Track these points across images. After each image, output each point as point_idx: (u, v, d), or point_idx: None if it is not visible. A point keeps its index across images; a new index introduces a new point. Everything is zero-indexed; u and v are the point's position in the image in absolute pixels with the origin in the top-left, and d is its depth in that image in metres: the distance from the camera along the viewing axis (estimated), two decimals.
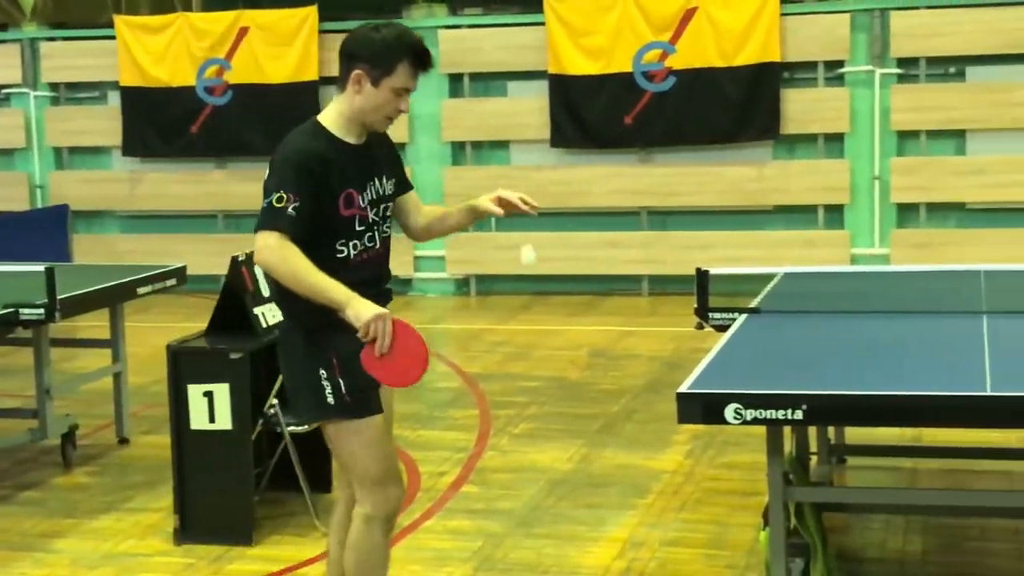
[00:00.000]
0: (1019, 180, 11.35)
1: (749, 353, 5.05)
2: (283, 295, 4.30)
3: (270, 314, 6.18)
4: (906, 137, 11.81)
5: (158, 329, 9.65)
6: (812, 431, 5.98)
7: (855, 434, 6.53)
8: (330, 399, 4.26)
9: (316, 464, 6.37)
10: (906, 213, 11.85)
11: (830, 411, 4.38)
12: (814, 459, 6.09)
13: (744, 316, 5.61)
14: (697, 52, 11.86)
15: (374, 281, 4.34)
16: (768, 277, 6.52)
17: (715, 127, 11.97)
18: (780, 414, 4.20)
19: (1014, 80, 11.47)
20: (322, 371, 4.25)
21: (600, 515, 6.13)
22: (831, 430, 6.27)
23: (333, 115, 4.29)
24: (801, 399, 4.20)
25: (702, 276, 5.95)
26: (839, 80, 11.93)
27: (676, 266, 11.62)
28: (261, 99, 12.98)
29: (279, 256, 4.10)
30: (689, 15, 11.90)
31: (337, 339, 4.20)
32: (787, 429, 4.85)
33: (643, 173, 12.29)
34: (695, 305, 5.97)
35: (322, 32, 12.82)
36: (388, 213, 4.41)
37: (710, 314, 5.97)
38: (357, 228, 4.27)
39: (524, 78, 12.54)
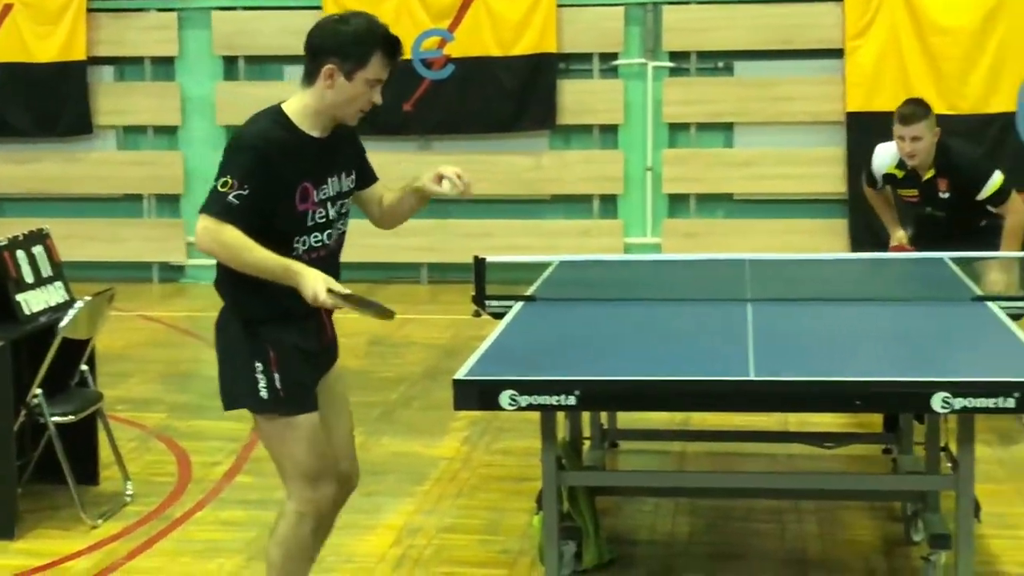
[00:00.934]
0: (783, 172, 11.75)
1: (525, 340, 5.11)
2: (225, 284, 4.19)
3: (34, 301, 6.00)
4: (677, 129, 12.10)
5: None
6: (585, 416, 6.10)
7: (627, 419, 6.67)
8: (263, 393, 4.13)
9: (82, 456, 6.22)
10: (677, 203, 12.13)
11: (602, 397, 4.47)
12: (587, 444, 6.21)
13: (520, 304, 5.67)
14: (475, 41, 11.93)
15: None
16: (544, 265, 6.61)
17: (493, 116, 12.07)
18: (554, 400, 4.26)
19: (779, 75, 11.85)
20: (258, 364, 4.13)
21: (377, 503, 6.12)
22: (604, 415, 6.39)
23: (298, 106, 4.13)
24: (574, 385, 4.26)
25: (479, 264, 5.99)
26: (613, 72, 12.14)
27: (455, 254, 11.64)
28: (26, 78, 12.54)
29: (216, 240, 3.95)
30: (467, 3, 11.95)
31: (276, 333, 4.12)
32: (561, 415, 4.94)
33: (422, 161, 12.26)
34: (472, 293, 6.02)
35: (90, 11, 12.46)
36: (344, 210, 4.28)
37: (487, 302, 6.03)
38: (308, 224, 4.12)
39: (301, 62, 12.35)
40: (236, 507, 6.19)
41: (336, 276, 4.17)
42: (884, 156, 7.12)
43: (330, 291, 3.94)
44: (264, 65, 12.66)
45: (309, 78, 4.14)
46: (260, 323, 4.14)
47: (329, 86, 4.10)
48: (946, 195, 6.96)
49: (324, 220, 4.18)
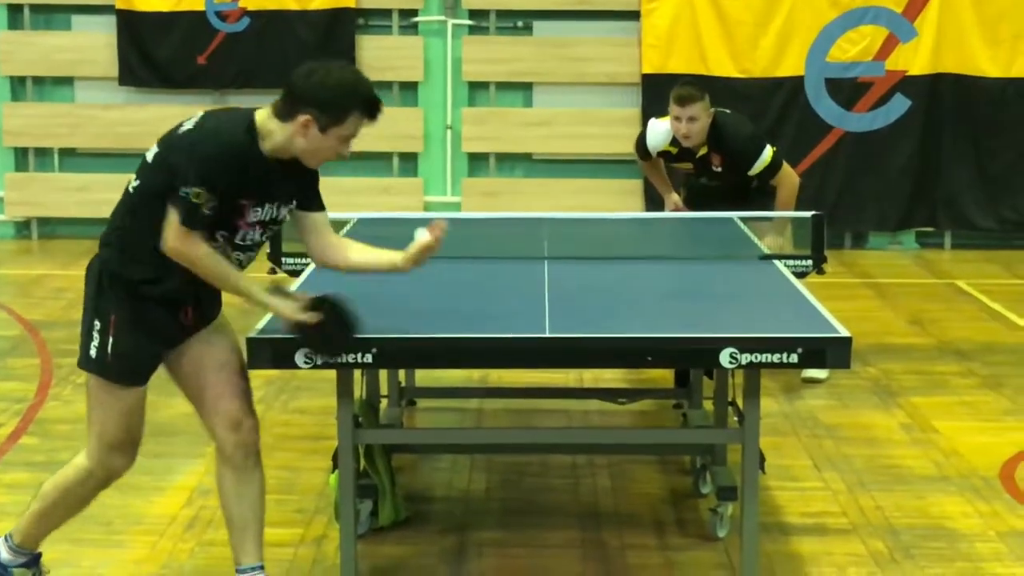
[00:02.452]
0: (581, 132, 11.86)
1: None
2: (120, 240, 4.15)
3: None
4: (477, 88, 12.12)
5: None
6: (383, 374, 6.11)
7: (425, 376, 6.71)
8: (92, 352, 4.15)
9: None
10: (477, 162, 12.18)
11: (399, 354, 4.47)
12: (384, 402, 6.21)
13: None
14: None
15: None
16: (342, 223, 6.55)
17: (290, 71, 11.79)
18: (350, 358, 4.27)
19: (577, 35, 11.94)
20: (97, 322, 4.14)
21: (168, 464, 6.03)
22: (402, 373, 6.40)
23: (267, 128, 4.12)
24: (371, 343, 4.27)
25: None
26: (413, 29, 12.09)
27: None
28: None
29: (196, 254, 4.04)
30: None
31: (123, 303, 4.13)
32: (358, 373, 4.92)
33: None
34: (267, 250, 5.96)
35: None
36: (267, 238, 4.30)
37: (283, 259, 5.98)
38: (235, 240, 4.16)
39: (90, 12, 12.05)
40: (20, 469, 6.04)
41: None
42: (658, 134, 7.20)
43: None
44: (51, 14, 12.25)
45: (283, 116, 4.14)
46: (124, 286, 4.14)
47: (302, 134, 4.13)
48: (719, 169, 7.12)
49: (245, 242, 4.21)
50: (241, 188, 4.07)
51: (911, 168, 11.72)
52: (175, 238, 4.01)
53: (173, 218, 3.99)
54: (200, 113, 4.22)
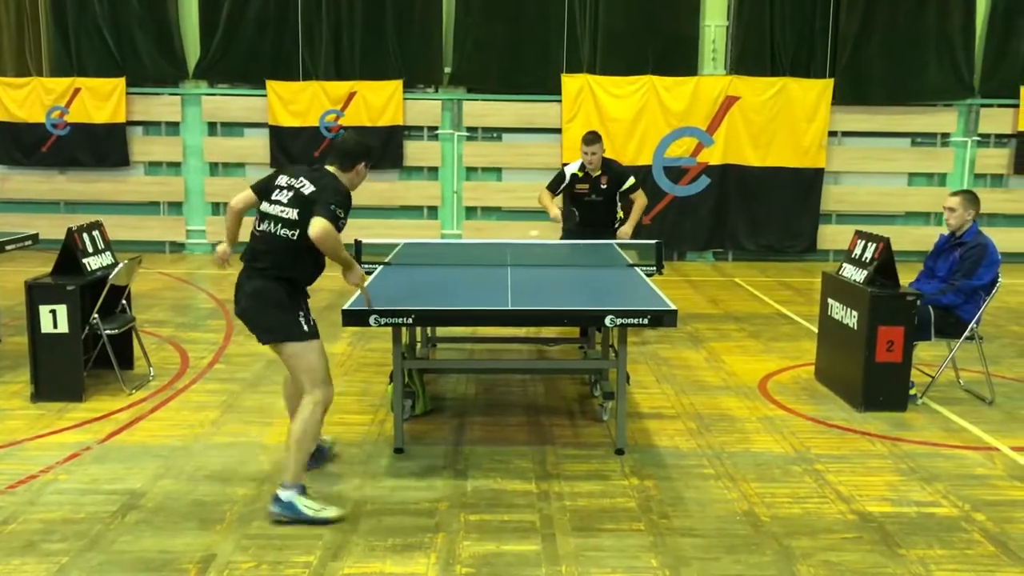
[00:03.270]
0: (527, 195, 11.51)
1: (384, 287, 5.01)
2: (283, 267, 3.93)
3: (93, 262, 5.64)
4: (471, 170, 11.94)
5: (20, 272, 8.60)
6: (418, 329, 6.05)
7: (441, 331, 6.65)
8: (304, 327, 3.92)
9: (123, 353, 5.90)
10: (471, 212, 11.94)
11: (427, 318, 4.42)
12: (419, 345, 6.15)
13: (381, 267, 5.58)
14: (356, 115, 11.54)
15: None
16: (396, 245, 6.49)
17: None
18: (399, 320, 4.24)
19: (526, 142, 11.73)
20: (300, 312, 3.94)
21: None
22: (429, 329, 6.35)
23: (340, 178, 3.99)
24: (411, 312, 4.24)
25: (358, 244, 5.86)
26: (435, 137, 11.88)
27: (347, 237, 11.32)
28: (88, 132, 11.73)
29: (335, 238, 3.80)
30: (352, 95, 11.57)
31: (302, 295, 4.02)
32: (404, 329, 4.88)
33: None
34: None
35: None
36: None
37: (363, 265, 5.88)
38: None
39: None
40: (215, 382, 5.96)
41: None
42: (572, 166, 7.18)
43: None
44: None
45: (343, 167, 4.02)
46: (296, 288, 3.98)
47: (358, 174, 4.04)
48: (605, 187, 7.10)
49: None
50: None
51: (710, 216, 11.73)
52: (321, 229, 3.76)
53: (320, 219, 3.77)
54: (303, 174, 4.00)
